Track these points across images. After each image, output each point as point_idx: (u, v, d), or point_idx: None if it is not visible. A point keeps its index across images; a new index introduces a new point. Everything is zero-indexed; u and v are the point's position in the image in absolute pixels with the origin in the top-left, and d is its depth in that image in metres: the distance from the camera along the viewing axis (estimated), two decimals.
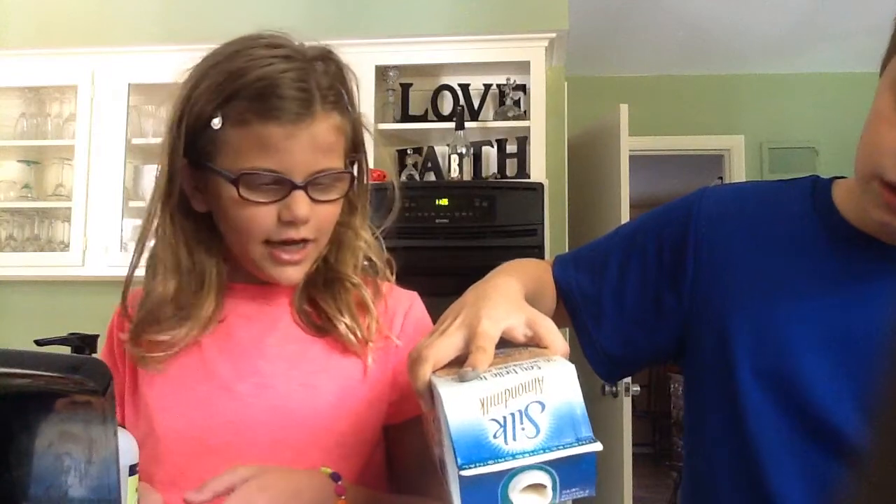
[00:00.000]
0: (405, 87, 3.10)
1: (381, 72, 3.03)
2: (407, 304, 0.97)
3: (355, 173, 0.91)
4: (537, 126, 2.92)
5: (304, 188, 0.83)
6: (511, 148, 3.04)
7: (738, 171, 4.37)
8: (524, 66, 2.96)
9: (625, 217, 3.09)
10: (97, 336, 0.75)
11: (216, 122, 0.82)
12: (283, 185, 0.82)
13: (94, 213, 3.05)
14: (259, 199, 0.82)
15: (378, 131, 2.98)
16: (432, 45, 2.92)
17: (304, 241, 0.85)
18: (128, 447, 0.70)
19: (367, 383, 0.91)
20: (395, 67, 3.05)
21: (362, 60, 2.95)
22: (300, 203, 0.82)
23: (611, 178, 3.20)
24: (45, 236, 3.21)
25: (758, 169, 4.36)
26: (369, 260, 0.94)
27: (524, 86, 3.04)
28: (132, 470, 0.73)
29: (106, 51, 3.12)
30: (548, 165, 2.92)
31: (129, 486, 0.71)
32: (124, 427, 0.85)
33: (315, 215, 0.84)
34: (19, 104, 3.28)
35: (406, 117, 3.08)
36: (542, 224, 2.69)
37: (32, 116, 3.25)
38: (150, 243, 0.91)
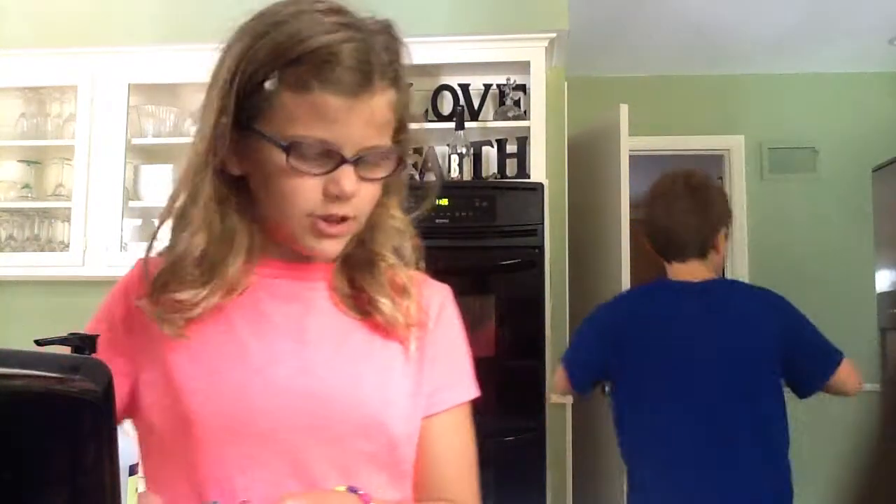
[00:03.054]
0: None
1: None
2: (441, 295, 0.96)
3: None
4: (537, 126, 2.92)
5: (354, 163, 0.80)
6: (511, 148, 3.04)
7: (738, 171, 4.37)
8: (524, 66, 2.96)
9: (625, 217, 3.09)
10: (97, 336, 0.75)
11: (271, 84, 0.79)
12: (331, 158, 0.79)
13: (94, 213, 3.05)
14: (307, 169, 0.79)
15: None
16: (432, 45, 2.92)
17: (345, 217, 0.83)
18: (128, 447, 0.70)
19: (408, 371, 0.89)
20: None
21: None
22: (348, 178, 0.80)
23: (611, 178, 3.20)
24: (45, 236, 3.21)
25: (758, 169, 4.36)
26: (400, 244, 0.92)
27: (524, 86, 3.04)
28: (132, 470, 0.73)
29: (106, 51, 3.12)
30: (548, 165, 2.92)
31: (129, 486, 0.71)
32: (133, 412, 0.84)
33: (359, 193, 0.82)
34: (19, 104, 3.28)
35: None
36: (542, 224, 2.69)
37: (32, 116, 3.25)
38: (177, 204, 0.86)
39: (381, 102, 0.81)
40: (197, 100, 3.19)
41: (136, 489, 0.73)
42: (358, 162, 0.80)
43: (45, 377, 0.54)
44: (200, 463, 0.82)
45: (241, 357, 0.84)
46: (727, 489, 1.75)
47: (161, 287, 0.84)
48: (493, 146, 3.11)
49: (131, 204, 3.12)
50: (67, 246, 3.09)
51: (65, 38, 3.23)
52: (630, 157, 3.18)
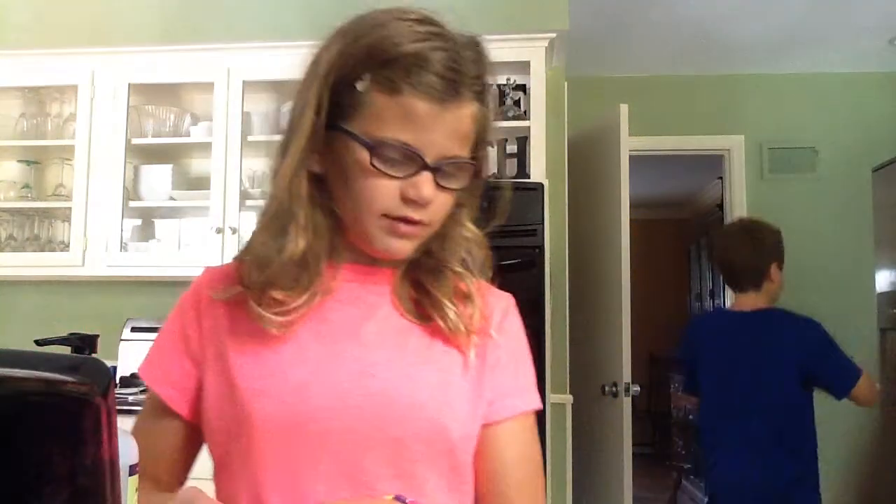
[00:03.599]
0: None
1: None
2: (505, 303, 0.96)
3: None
4: (537, 126, 2.92)
5: (434, 171, 0.81)
6: (511, 148, 3.04)
7: (738, 171, 4.37)
8: (524, 66, 2.96)
9: (625, 217, 3.09)
10: (97, 336, 0.75)
11: (363, 84, 0.80)
12: (413, 163, 0.81)
13: (94, 213, 3.05)
14: (388, 171, 0.81)
15: None
16: None
17: (419, 221, 0.84)
18: (128, 447, 0.70)
19: (468, 377, 0.89)
20: None
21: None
22: (427, 184, 0.81)
23: (611, 178, 3.20)
24: (45, 236, 3.21)
25: (758, 169, 4.36)
26: (469, 254, 0.93)
27: (524, 86, 3.04)
28: (132, 470, 0.73)
29: (106, 51, 3.13)
30: (548, 165, 2.92)
31: (129, 486, 0.71)
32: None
33: (435, 200, 0.83)
34: (19, 104, 3.28)
35: None
36: (542, 224, 2.69)
37: (32, 116, 3.25)
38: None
39: (465, 114, 0.82)
40: (197, 100, 3.19)
41: (136, 489, 0.73)
42: (437, 170, 0.82)
43: (45, 377, 0.54)
44: (259, 464, 0.83)
45: (301, 358, 0.85)
46: (760, 468, 2.31)
47: (263, 286, 0.84)
48: (493, 146, 3.11)
49: (131, 204, 3.12)
50: (67, 246, 3.09)
51: (65, 38, 3.23)
52: (630, 157, 3.18)
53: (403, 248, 0.86)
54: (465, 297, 0.90)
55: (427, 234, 0.87)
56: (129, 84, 3.11)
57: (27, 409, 0.53)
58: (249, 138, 3.07)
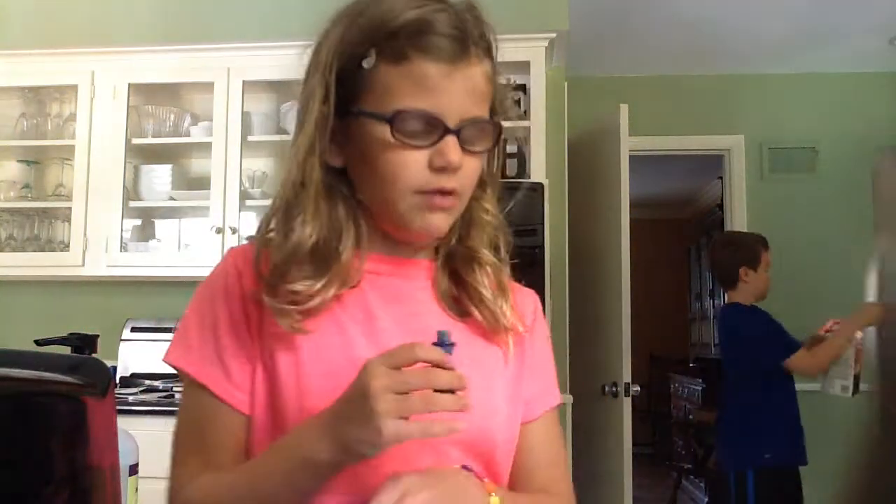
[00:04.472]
0: None
1: None
2: (533, 301, 0.96)
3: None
4: (537, 126, 2.92)
5: (457, 133, 0.79)
6: (511, 148, 3.04)
7: (737, 172, 4.37)
8: (524, 66, 2.96)
9: (625, 217, 3.09)
10: (97, 336, 0.75)
11: (369, 61, 0.79)
12: (435, 129, 0.79)
13: (94, 213, 3.05)
14: (412, 142, 0.79)
15: None
16: None
17: (453, 192, 0.81)
18: (128, 447, 0.70)
19: (507, 375, 0.89)
20: None
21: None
22: (454, 148, 0.79)
23: (611, 178, 3.20)
24: (45, 236, 3.21)
25: (758, 169, 4.36)
26: (497, 241, 0.91)
27: (524, 86, 3.04)
28: (132, 470, 0.74)
29: (106, 51, 3.13)
30: (548, 165, 2.92)
31: (129, 486, 0.71)
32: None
33: (463, 167, 0.81)
34: (19, 104, 3.28)
35: None
36: (542, 224, 2.69)
37: (32, 116, 3.25)
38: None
39: (477, 72, 0.81)
40: (197, 100, 3.20)
41: (136, 489, 0.73)
42: (461, 133, 0.80)
43: (45, 377, 0.55)
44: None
45: (353, 361, 0.81)
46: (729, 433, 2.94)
47: (277, 278, 0.81)
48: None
49: (131, 204, 3.12)
50: (67, 246, 3.09)
51: (65, 38, 3.23)
52: (630, 157, 3.18)
53: (440, 222, 0.83)
54: (500, 290, 0.89)
55: (460, 207, 0.84)
56: (129, 84, 3.11)
57: (27, 409, 0.53)
58: (249, 138, 3.07)
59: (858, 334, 2.77)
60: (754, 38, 3.91)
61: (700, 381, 5.63)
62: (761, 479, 2.69)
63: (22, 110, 3.26)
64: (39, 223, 3.21)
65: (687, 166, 5.63)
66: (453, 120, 0.79)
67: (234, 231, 2.98)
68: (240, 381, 0.83)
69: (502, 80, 0.87)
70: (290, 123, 3.09)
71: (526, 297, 0.96)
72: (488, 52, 0.83)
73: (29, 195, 3.24)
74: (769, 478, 2.69)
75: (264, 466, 0.78)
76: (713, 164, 4.74)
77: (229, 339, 0.84)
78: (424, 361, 0.69)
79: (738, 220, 4.31)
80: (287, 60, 3.51)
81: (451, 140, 0.79)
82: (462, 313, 0.88)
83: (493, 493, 0.78)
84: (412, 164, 0.79)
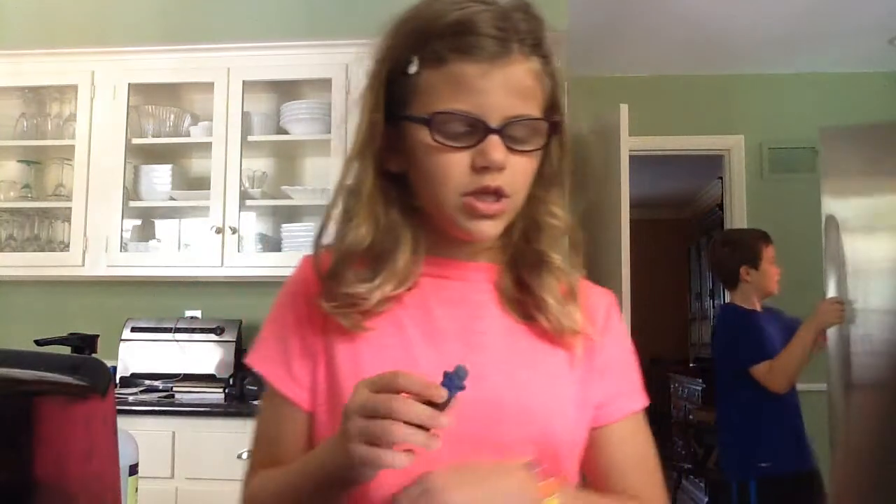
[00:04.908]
0: None
1: None
2: (606, 301, 0.93)
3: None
4: None
5: (500, 132, 0.78)
6: None
7: (737, 172, 4.37)
8: None
9: (625, 217, 3.09)
10: (97, 336, 0.75)
11: (413, 67, 0.80)
12: (477, 130, 0.78)
13: (94, 213, 3.04)
14: (452, 143, 0.78)
15: None
16: None
17: (499, 193, 0.79)
18: (128, 447, 0.70)
19: (574, 379, 0.87)
20: None
21: (362, 61, 2.94)
22: (495, 147, 0.77)
23: (611, 178, 3.20)
24: (45, 236, 3.21)
25: (758, 169, 4.36)
26: (566, 245, 0.90)
27: None
28: (132, 470, 0.74)
29: (106, 51, 3.12)
30: None
31: (129, 486, 0.71)
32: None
33: (510, 166, 0.79)
34: (19, 104, 3.28)
35: None
36: None
37: (32, 116, 3.25)
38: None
39: (521, 69, 0.79)
40: (197, 100, 3.20)
41: (136, 489, 0.73)
42: (505, 132, 0.78)
43: (45, 377, 0.54)
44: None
45: (411, 361, 0.82)
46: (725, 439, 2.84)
47: (333, 281, 0.83)
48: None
49: (131, 204, 3.11)
50: (67, 246, 3.09)
51: (65, 38, 3.23)
52: (630, 157, 3.18)
53: (489, 229, 0.82)
54: (568, 294, 0.87)
55: (512, 210, 0.83)
56: (129, 84, 3.10)
57: (27, 409, 0.53)
58: (249, 138, 3.07)
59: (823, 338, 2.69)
60: (754, 38, 3.91)
61: (700, 381, 5.63)
62: (764, 488, 2.58)
63: (22, 110, 3.26)
64: (39, 223, 3.21)
65: (687, 166, 5.62)
66: (496, 119, 0.78)
67: (234, 231, 2.98)
68: (301, 377, 0.86)
69: (561, 78, 0.86)
70: (290, 123, 3.10)
71: (600, 297, 0.93)
72: (536, 49, 0.81)
73: (29, 195, 3.24)
74: (772, 487, 2.57)
75: (303, 465, 0.80)
76: (713, 164, 4.75)
77: (295, 338, 0.86)
78: (406, 392, 0.67)
79: (738, 220, 4.31)
80: (287, 60, 3.54)
81: (493, 139, 0.78)
82: (526, 316, 0.87)
83: (554, 495, 0.75)
84: (455, 167, 0.79)
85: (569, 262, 0.89)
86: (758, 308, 2.76)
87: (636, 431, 0.91)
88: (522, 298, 0.87)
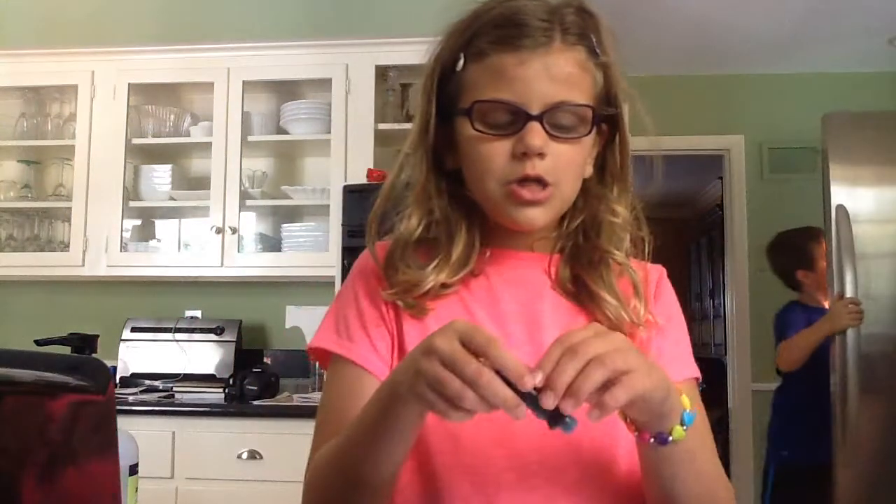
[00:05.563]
0: (405, 87, 3.10)
1: (381, 72, 3.03)
2: (657, 272, 0.94)
3: (607, 131, 0.88)
4: None
5: (540, 119, 0.78)
6: None
7: (738, 172, 4.37)
8: None
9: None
10: (97, 336, 0.75)
11: (459, 63, 0.81)
12: (518, 118, 0.78)
13: (94, 214, 3.05)
14: (493, 132, 0.79)
15: (378, 131, 2.98)
16: (433, 46, 2.91)
17: (541, 181, 0.79)
18: (128, 447, 0.70)
19: None
20: (395, 67, 3.05)
21: (362, 60, 2.95)
22: (534, 133, 0.77)
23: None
24: (45, 236, 3.21)
25: (758, 169, 4.36)
26: (628, 241, 0.89)
27: None
28: (132, 470, 0.74)
29: (106, 51, 3.13)
30: None
31: (129, 486, 0.71)
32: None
33: (552, 154, 0.79)
34: (19, 104, 3.28)
35: (406, 117, 3.08)
36: None
37: (32, 116, 3.25)
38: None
39: (562, 58, 0.79)
40: (197, 100, 3.20)
41: (136, 489, 0.73)
42: (546, 119, 0.78)
43: (45, 377, 0.54)
44: (434, 449, 0.80)
45: None
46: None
47: (391, 269, 0.85)
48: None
49: (131, 204, 3.12)
50: (67, 246, 3.09)
51: (65, 38, 3.23)
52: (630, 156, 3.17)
53: (535, 216, 0.82)
54: (633, 290, 0.87)
55: (559, 200, 0.82)
56: (129, 84, 3.11)
57: (27, 409, 0.53)
58: (249, 138, 3.07)
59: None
60: (754, 38, 3.91)
61: (701, 381, 5.62)
62: (780, 475, 2.78)
63: (22, 110, 3.26)
64: (39, 223, 3.21)
65: (687, 166, 5.62)
66: (537, 107, 0.78)
67: (234, 231, 2.98)
68: (381, 349, 0.85)
69: (616, 71, 0.86)
70: (290, 123, 3.10)
71: (652, 270, 0.93)
72: (582, 39, 0.82)
73: (29, 195, 3.24)
74: (787, 474, 2.76)
75: (367, 405, 0.75)
76: (713, 164, 4.74)
77: (371, 310, 0.86)
78: (492, 363, 0.63)
79: (738, 220, 4.31)
80: (287, 60, 3.54)
81: (532, 126, 0.78)
82: (583, 302, 0.87)
83: (683, 395, 0.72)
84: (497, 156, 0.80)
85: (639, 257, 0.90)
86: (825, 305, 2.78)
87: (692, 400, 0.84)
88: (578, 293, 0.87)
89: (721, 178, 4.57)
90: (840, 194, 2.85)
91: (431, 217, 0.86)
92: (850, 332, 2.72)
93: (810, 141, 4.32)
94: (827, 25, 3.74)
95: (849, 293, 2.72)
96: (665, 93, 4.35)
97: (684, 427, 0.71)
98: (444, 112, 0.84)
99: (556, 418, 0.63)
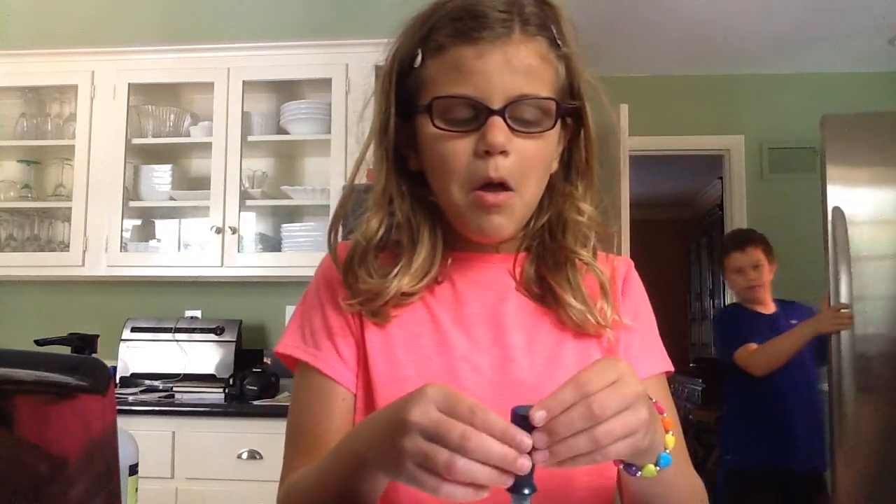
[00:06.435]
0: None
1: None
2: (625, 266, 0.91)
3: (572, 125, 0.85)
4: None
5: (502, 113, 0.74)
6: None
7: (737, 171, 4.37)
8: None
9: (625, 217, 3.09)
10: (97, 336, 0.75)
11: (417, 60, 0.78)
12: (479, 113, 0.75)
13: (94, 214, 3.05)
14: (453, 128, 0.76)
15: None
16: None
17: (504, 185, 0.76)
18: (128, 447, 0.70)
19: (601, 356, 0.83)
20: None
21: (362, 60, 2.94)
22: (496, 130, 0.74)
23: (611, 178, 3.20)
24: (45, 236, 3.21)
25: (758, 169, 4.36)
26: (594, 240, 0.86)
27: None
28: (132, 470, 0.73)
29: (106, 51, 3.12)
30: None
31: (129, 486, 0.71)
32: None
33: (516, 151, 0.75)
34: (19, 104, 3.28)
35: None
36: None
37: (32, 116, 3.25)
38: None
39: (523, 49, 0.76)
40: (197, 100, 3.20)
41: (136, 489, 0.73)
42: (508, 113, 0.75)
43: (45, 377, 0.54)
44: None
45: (445, 346, 0.82)
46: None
47: (351, 276, 0.83)
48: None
49: (131, 204, 3.11)
50: (67, 246, 3.09)
51: (65, 38, 3.23)
52: (630, 156, 3.18)
53: (500, 223, 0.79)
54: (599, 290, 0.84)
55: (521, 205, 0.79)
56: (129, 84, 3.10)
57: (27, 409, 0.53)
58: (249, 138, 3.07)
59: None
60: (754, 38, 3.91)
61: (700, 381, 5.62)
62: (727, 480, 2.69)
63: (22, 110, 3.26)
64: (39, 223, 3.21)
65: (687, 166, 5.63)
66: (498, 101, 0.75)
67: (234, 231, 2.98)
68: (347, 357, 0.83)
69: (578, 63, 0.82)
70: (290, 123, 3.10)
71: (618, 267, 0.90)
72: (542, 30, 0.78)
73: (29, 195, 3.24)
74: (732, 479, 2.67)
75: (334, 451, 0.73)
76: (713, 164, 4.75)
77: (335, 317, 0.84)
78: (481, 428, 0.58)
79: (738, 220, 4.31)
80: (287, 60, 3.53)
81: (494, 121, 0.74)
82: (546, 303, 0.85)
83: (670, 432, 0.69)
84: (459, 154, 0.76)
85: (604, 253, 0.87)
86: (759, 307, 2.73)
87: (657, 395, 0.79)
88: (543, 294, 0.85)
89: (721, 178, 4.58)
90: (837, 196, 2.86)
91: (393, 220, 0.83)
92: (846, 334, 2.74)
93: (810, 141, 4.32)
94: (827, 25, 3.75)
95: (843, 294, 2.74)
96: (665, 93, 4.36)
97: (658, 468, 0.67)
98: (405, 111, 0.81)
99: (521, 482, 0.58)
